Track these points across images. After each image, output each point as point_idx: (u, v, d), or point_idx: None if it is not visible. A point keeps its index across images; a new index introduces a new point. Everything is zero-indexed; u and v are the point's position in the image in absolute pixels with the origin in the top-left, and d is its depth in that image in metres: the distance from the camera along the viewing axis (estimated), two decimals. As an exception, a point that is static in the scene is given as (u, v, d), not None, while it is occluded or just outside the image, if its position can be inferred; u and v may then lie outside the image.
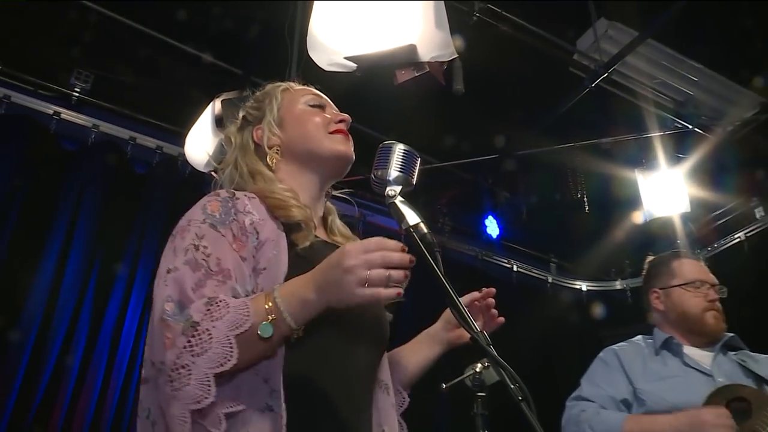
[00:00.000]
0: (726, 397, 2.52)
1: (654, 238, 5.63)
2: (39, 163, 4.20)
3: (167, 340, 1.31)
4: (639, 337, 2.98)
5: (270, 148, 1.81)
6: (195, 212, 1.55)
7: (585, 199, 5.32)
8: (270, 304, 1.37)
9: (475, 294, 1.87)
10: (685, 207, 4.88)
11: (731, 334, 2.85)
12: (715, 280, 2.92)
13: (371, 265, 1.36)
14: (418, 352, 1.92)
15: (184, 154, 3.82)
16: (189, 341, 1.30)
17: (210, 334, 1.31)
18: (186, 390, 1.28)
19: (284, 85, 1.96)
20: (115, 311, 4.08)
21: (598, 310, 6.16)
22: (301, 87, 1.96)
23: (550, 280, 6.28)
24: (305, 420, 1.43)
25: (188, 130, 3.61)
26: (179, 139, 3.88)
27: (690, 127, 4.80)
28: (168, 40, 4.15)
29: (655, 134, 4.85)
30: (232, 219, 1.53)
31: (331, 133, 1.82)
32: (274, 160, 1.79)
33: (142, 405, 1.44)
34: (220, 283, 1.42)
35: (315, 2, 2.76)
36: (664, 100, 4.67)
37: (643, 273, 3.20)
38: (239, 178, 1.77)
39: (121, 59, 4.39)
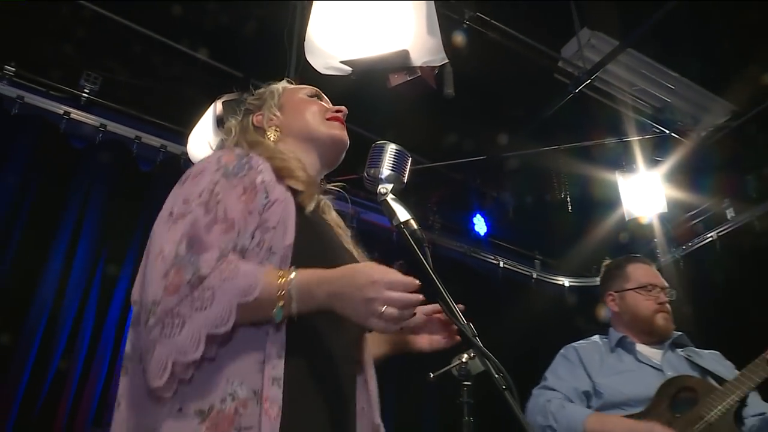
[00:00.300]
0: (675, 387, 2.61)
1: (633, 237, 5.65)
2: (49, 160, 4.19)
3: (170, 285, 1.27)
4: (596, 336, 3.05)
5: (269, 127, 1.82)
6: (209, 161, 1.53)
7: (568, 199, 5.33)
8: (284, 289, 1.34)
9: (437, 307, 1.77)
10: (662, 208, 4.90)
11: (679, 333, 2.94)
12: (666, 284, 3.00)
13: (390, 303, 1.34)
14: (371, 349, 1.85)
15: (187, 153, 3.79)
16: (192, 293, 1.27)
17: (213, 294, 1.28)
18: (175, 339, 1.25)
19: (283, 82, 1.98)
20: (119, 305, 4.06)
21: (579, 304, 6.17)
22: (297, 85, 1.99)
23: (534, 275, 6.27)
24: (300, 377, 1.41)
25: (190, 130, 3.59)
26: (182, 138, 3.86)
27: (667, 132, 4.81)
28: (172, 44, 4.13)
29: (634, 138, 4.86)
30: (245, 174, 1.50)
31: (327, 119, 1.84)
32: (273, 137, 1.80)
33: (133, 349, 1.40)
34: (225, 233, 1.39)
35: (313, 9, 2.76)
36: (642, 106, 4.68)
37: (600, 277, 3.28)
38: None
39: (128, 63, 4.38)
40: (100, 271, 4.08)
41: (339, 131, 1.84)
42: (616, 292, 3.04)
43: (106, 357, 3.91)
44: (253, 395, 1.31)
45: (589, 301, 6.21)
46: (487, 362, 1.38)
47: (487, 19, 3.97)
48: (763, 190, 4.98)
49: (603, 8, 4.24)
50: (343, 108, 1.89)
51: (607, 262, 3.27)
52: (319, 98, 1.93)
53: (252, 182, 1.49)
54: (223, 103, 3.18)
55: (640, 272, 3.03)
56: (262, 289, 1.32)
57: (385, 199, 1.61)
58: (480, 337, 1.40)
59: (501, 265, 6.02)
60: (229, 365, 1.33)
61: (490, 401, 1.42)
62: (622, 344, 2.91)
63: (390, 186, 1.62)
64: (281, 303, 1.33)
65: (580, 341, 3.02)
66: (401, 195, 1.64)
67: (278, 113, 1.84)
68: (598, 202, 5.39)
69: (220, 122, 3.15)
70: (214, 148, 1.97)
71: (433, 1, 2.71)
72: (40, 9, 3.91)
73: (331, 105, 1.93)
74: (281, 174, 1.58)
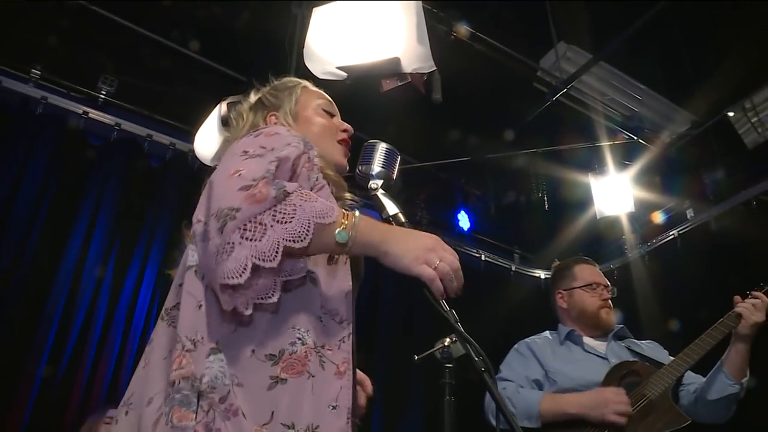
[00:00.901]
0: (620, 371, 2.68)
1: (603, 234, 5.66)
2: (69, 155, 4.19)
3: (255, 194, 1.18)
4: (546, 332, 3.09)
5: None
6: (280, 129, 1.46)
7: (545, 198, 5.32)
8: (351, 217, 1.30)
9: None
10: (630, 207, 4.89)
11: (621, 326, 3.02)
12: (608, 282, 3.07)
13: (446, 260, 1.33)
14: None
15: (194, 151, 3.77)
16: (276, 205, 1.20)
17: (295, 209, 1.21)
18: (255, 243, 1.16)
19: (303, 82, 1.86)
20: (131, 288, 4.05)
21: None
22: (317, 89, 1.86)
23: (513, 268, 6.25)
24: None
25: (197, 129, 3.57)
26: (190, 137, 3.84)
27: (635, 138, 4.81)
28: (182, 50, 4.10)
29: (606, 143, 4.86)
30: (313, 153, 1.46)
31: (337, 141, 1.76)
32: None
33: (200, 263, 1.28)
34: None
35: (312, 18, 2.74)
36: (613, 114, 4.69)
37: (550, 277, 3.36)
38: None
39: (141, 67, 4.35)
40: (113, 257, 4.08)
41: (342, 159, 1.75)
42: (564, 290, 3.08)
43: (117, 336, 3.92)
44: (318, 348, 1.29)
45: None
46: (468, 346, 1.37)
47: (473, 31, 3.95)
48: (719, 192, 4.98)
49: (579, 24, 4.22)
50: (350, 128, 1.80)
51: (556, 263, 3.33)
52: (331, 111, 1.81)
53: (310, 159, 1.43)
54: (227, 104, 3.16)
55: (586, 272, 3.08)
56: (337, 215, 1.27)
57: (376, 194, 1.59)
58: (462, 324, 1.38)
59: (483, 258, 5.99)
60: (292, 316, 1.28)
61: (470, 382, 1.39)
62: (571, 337, 2.95)
63: (380, 182, 1.61)
64: (345, 228, 1.27)
65: (532, 337, 3.05)
66: (391, 191, 1.61)
67: (292, 123, 1.72)
68: (572, 202, 5.38)
69: (224, 122, 3.13)
70: (221, 139, 1.87)
71: (423, 13, 2.69)
72: (64, 15, 3.89)
73: (340, 119, 1.82)
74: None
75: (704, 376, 2.69)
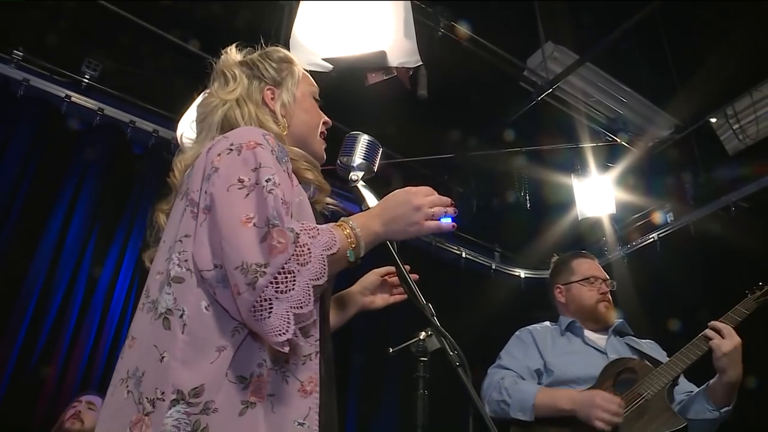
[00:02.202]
0: (617, 368, 2.65)
1: (585, 235, 5.68)
2: (50, 139, 4.14)
3: (279, 244, 1.20)
4: (547, 322, 3.07)
5: (282, 116, 1.64)
6: (255, 134, 1.40)
7: (527, 197, 5.33)
8: (349, 231, 1.38)
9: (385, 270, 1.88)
10: (611, 209, 4.92)
11: (621, 320, 2.98)
12: (607, 276, 3.03)
13: (433, 204, 1.47)
14: (337, 313, 1.83)
15: (177, 139, 3.74)
16: (296, 250, 1.23)
17: (309, 249, 1.25)
18: (290, 294, 1.20)
19: (299, 64, 1.78)
20: (108, 276, 4.02)
21: (533, 294, 6.21)
22: (307, 74, 1.79)
23: (493, 266, 6.27)
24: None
25: (181, 117, 3.53)
26: (173, 124, 3.80)
27: (618, 140, 4.83)
28: (167, 36, 4.05)
29: (589, 145, 4.88)
30: (287, 160, 1.42)
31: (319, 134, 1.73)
32: (282, 129, 1.62)
33: (176, 304, 1.28)
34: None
35: (299, 8, 2.72)
36: (597, 116, 4.71)
37: (549, 271, 3.30)
38: (242, 120, 1.57)
39: (126, 52, 4.31)
40: (92, 243, 4.05)
41: (322, 151, 1.73)
42: (563, 284, 3.06)
43: (93, 324, 3.88)
44: (275, 365, 1.29)
45: (543, 292, 6.25)
46: (443, 340, 1.37)
47: (461, 28, 3.95)
48: (698, 197, 5.02)
49: (567, 25, 4.24)
50: (330, 122, 1.76)
51: (555, 258, 3.32)
52: (319, 100, 1.78)
53: (289, 173, 1.42)
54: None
55: (584, 266, 3.06)
56: (340, 241, 1.34)
57: (356, 186, 1.59)
58: (441, 321, 1.38)
59: (464, 255, 6.01)
60: (259, 338, 1.28)
61: (445, 377, 1.40)
62: (571, 328, 2.93)
63: (361, 174, 1.61)
64: (353, 244, 1.37)
65: (533, 325, 3.02)
66: (373, 184, 1.61)
67: (292, 102, 1.66)
68: (555, 202, 5.40)
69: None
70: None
71: (410, 7, 2.69)
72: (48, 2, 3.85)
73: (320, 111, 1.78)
74: (295, 172, 1.49)
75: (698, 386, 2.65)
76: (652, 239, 5.45)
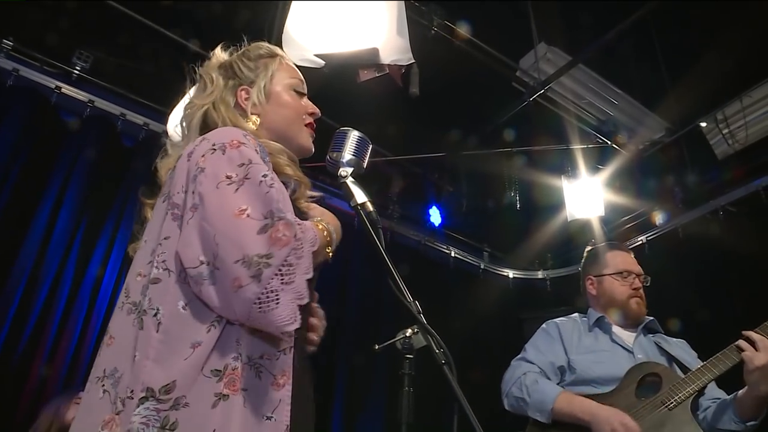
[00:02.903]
0: (643, 372, 2.58)
1: (574, 236, 5.70)
2: (39, 130, 4.09)
3: (284, 237, 1.23)
4: (575, 314, 3.00)
5: (252, 114, 1.64)
6: (238, 136, 1.40)
7: (517, 198, 5.34)
8: (323, 228, 1.45)
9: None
10: (600, 211, 4.93)
11: (651, 318, 2.90)
12: (641, 271, 2.94)
13: None
14: None
15: (167, 132, 3.72)
16: (296, 245, 1.25)
17: (303, 245, 1.27)
18: (293, 285, 1.23)
19: (279, 53, 1.77)
20: (95, 269, 3.99)
21: (521, 294, 6.23)
22: (290, 65, 1.78)
23: (482, 266, 6.27)
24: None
25: (172, 110, 3.52)
26: (164, 117, 3.78)
27: (609, 143, 4.85)
28: (160, 29, 4.03)
29: (579, 147, 4.89)
30: (267, 159, 1.45)
31: (305, 125, 1.71)
32: (253, 126, 1.62)
33: (149, 304, 1.29)
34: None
35: (292, 4, 2.71)
36: (588, 117, 4.72)
37: (582, 260, 3.20)
38: (219, 122, 1.57)
39: (118, 44, 4.27)
40: (80, 235, 4.01)
41: (309, 144, 1.72)
42: (594, 276, 2.99)
43: (80, 316, 3.85)
44: (250, 359, 1.30)
45: (530, 292, 6.29)
46: (430, 338, 1.37)
47: (454, 27, 3.94)
48: (688, 201, 5.04)
49: (560, 26, 4.25)
50: (318, 112, 1.75)
51: (589, 248, 3.22)
52: (302, 92, 1.75)
53: (271, 171, 1.41)
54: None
55: (618, 259, 2.98)
56: (320, 238, 1.39)
57: (345, 182, 1.59)
58: (428, 319, 1.38)
59: (452, 254, 6.00)
60: (238, 329, 1.30)
61: (431, 374, 1.40)
62: (600, 324, 2.86)
63: (350, 170, 1.60)
64: (329, 244, 1.47)
65: (561, 318, 2.97)
66: (364, 182, 1.60)
67: (264, 99, 1.66)
68: (544, 203, 5.41)
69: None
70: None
71: (404, 5, 2.69)
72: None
73: (307, 100, 1.76)
74: (274, 169, 1.48)
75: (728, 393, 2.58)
76: (640, 242, 5.47)
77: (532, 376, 2.68)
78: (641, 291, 2.88)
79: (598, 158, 5.03)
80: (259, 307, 1.19)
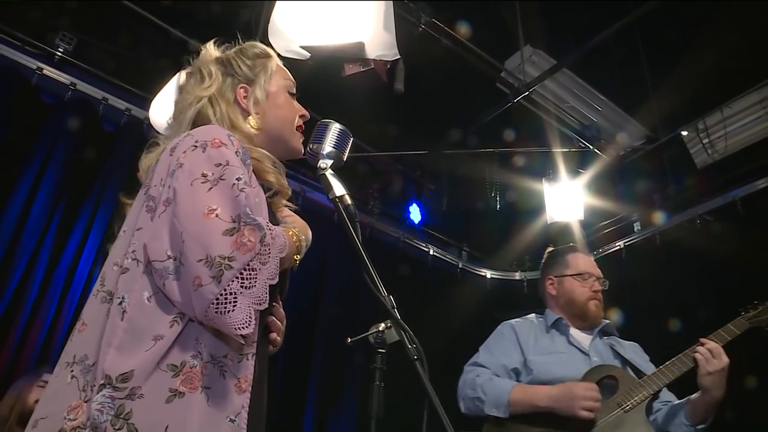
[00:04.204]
0: (599, 374, 2.63)
1: (553, 239, 5.72)
2: (19, 111, 4.03)
3: (249, 242, 1.24)
4: (532, 315, 3.04)
5: (255, 114, 1.64)
6: (220, 133, 1.41)
7: (498, 198, 5.35)
8: (293, 234, 1.47)
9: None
10: (580, 215, 4.96)
11: (607, 321, 2.96)
12: (601, 274, 2.99)
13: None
14: None
15: (149, 119, 3.69)
16: (261, 250, 1.26)
17: (269, 250, 1.28)
18: (252, 290, 1.23)
19: (273, 55, 1.77)
20: (71, 254, 3.94)
21: (498, 294, 6.25)
22: (283, 68, 1.78)
23: (460, 265, 6.27)
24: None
25: (155, 97, 3.49)
26: (146, 104, 3.75)
27: (590, 147, 4.88)
28: (145, 14, 3.98)
29: (561, 150, 4.92)
30: (249, 162, 1.44)
31: (296, 128, 1.72)
32: (255, 126, 1.63)
33: (117, 293, 1.30)
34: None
35: (279, -6, 2.70)
36: (571, 122, 4.75)
37: (542, 261, 3.25)
38: (214, 117, 1.57)
39: (102, 28, 4.22)
40: (56, 219, 3.96)
41: (300, 144, 1.72)
42: (555, 276, 3.03)
43: (54, 300, 3.81)
44: (213, 358, 1.30)
45: (507, 293, 6.31)
46: (402, 333, 1.36)
47: (441, 26, 3.95)
48: (666, 208, 5.08)
49: (547, 29, 4.27)
50: (308, 115, 1.76)
51: (549, 249, 3.28)
52: (294, 93, 1.76)
53: (250, 174, 1.43)
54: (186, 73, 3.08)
55: (579, 261, 3.03)
56: (289, 245, 1.40)
57: (324, 174, 1.59)
58: (403, 315, 1.38)
59: (431, 252, 6.01)
60: (199, 328, 1.30)
61: (404, 369, 1.40)
62: (557, 326, 2.90)
63: (330, 162, 1.60)
64: (298, 251, 1.48)
65: (517, 319, 3.00)
66: (342, 173, 1.60)
67: (263, 98, 1.66)
68: (525, 204, 5.44)
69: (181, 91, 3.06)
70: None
71: (392, 1, 2.68)
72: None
73: (297, 102, 1.76)
74: (256, 173, 1.50)
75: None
76: (618, 247, 5.51)
77: (485, 376, 2.72)
78: (600, 294, 2.93)
79: (580, 162, 5.06)
80: (216, 308, 1.21)
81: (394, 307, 1.40)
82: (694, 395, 2.50)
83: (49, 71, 4.17)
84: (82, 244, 3.97)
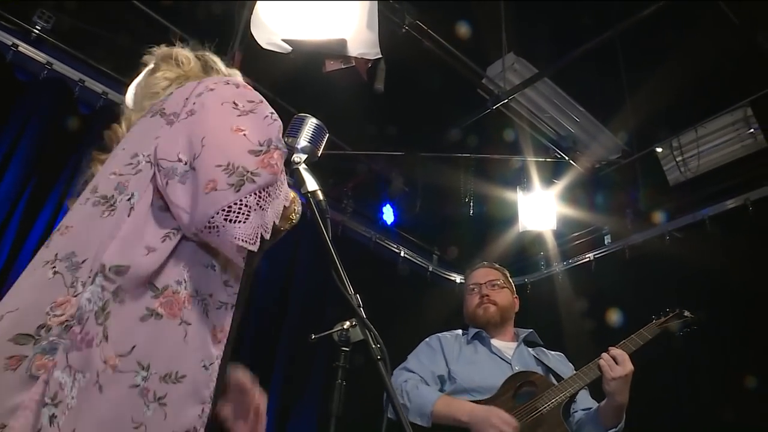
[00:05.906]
0: (519, 380, 2.76)
1: (526, 247, 5.77)
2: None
3: (276, 165, 1.22)
4: (458, 330, 3.18)
5: None
6: (248, 93, 1.37)
7: (471, 204, 5.36)
8: (295, 205, 1.44)
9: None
10: (552, 225, 5.00)
11: (530, 330, 3.12)
12: (486, 279, 3.17)
13: None
14: None
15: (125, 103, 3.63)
16: (281, 180, 1.25)
17: (280, 190, 1.26)
18: (265, 214, 1.20)
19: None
20: (39, 232, 3.86)
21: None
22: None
23: (430, 269, 6.27)
24: None
25: (132, 82, 3.43)
26: (123, 88, 3.68)
27: (566, 158, 4.92)
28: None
29: (536, 159, 4.95)
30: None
31: None
32: None
33: (126, 190, 1.24)
34: None
35: (264, -15, 2.68)
36: (548, 131, 4.78)
37: None
38: None
39: (82, 8, 4.13)
40: (24, 200, 3.88)
41: None
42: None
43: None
44: (198, 293, 1.24)
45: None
46: (367, 332, 1.36)
47: (425, 28, 3.95)
48: (637, 223, 5.14)
49: (530, 38, 4.29)
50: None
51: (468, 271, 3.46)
52: None
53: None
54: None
55: (470, 277, 3.28)
56: (289, 197, 1.35)
57: (298, 168, 1.56)
58: (370, 315, 1.38)
59: (402, 254, 6.00)
60: (190, 259, 1.24)
61: (366, 369, 1.39)
62: (478, 337, 3.04)
63: (304, 156, 1.57)
64: (290, 219, 1.43)
65: (444, 333, 3.13)
66: (316, 169, 1.59)
67: None
68: (499, 211, 5.46)
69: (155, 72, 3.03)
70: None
71: (376, 1, 2.68)
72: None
73: None
74: None
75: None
76: (588, 259, 5.56)
77: (413, 383, 2.79)
78: (488, 297, 3.09)
79: (554, 172, 5.09)
80: (226, 215, 1.15)
81: (359, 306, 1.39)
82: (603, 402, 2.63)
83: (24, 48, 4.08)
84: (49, 226, 3.89)
